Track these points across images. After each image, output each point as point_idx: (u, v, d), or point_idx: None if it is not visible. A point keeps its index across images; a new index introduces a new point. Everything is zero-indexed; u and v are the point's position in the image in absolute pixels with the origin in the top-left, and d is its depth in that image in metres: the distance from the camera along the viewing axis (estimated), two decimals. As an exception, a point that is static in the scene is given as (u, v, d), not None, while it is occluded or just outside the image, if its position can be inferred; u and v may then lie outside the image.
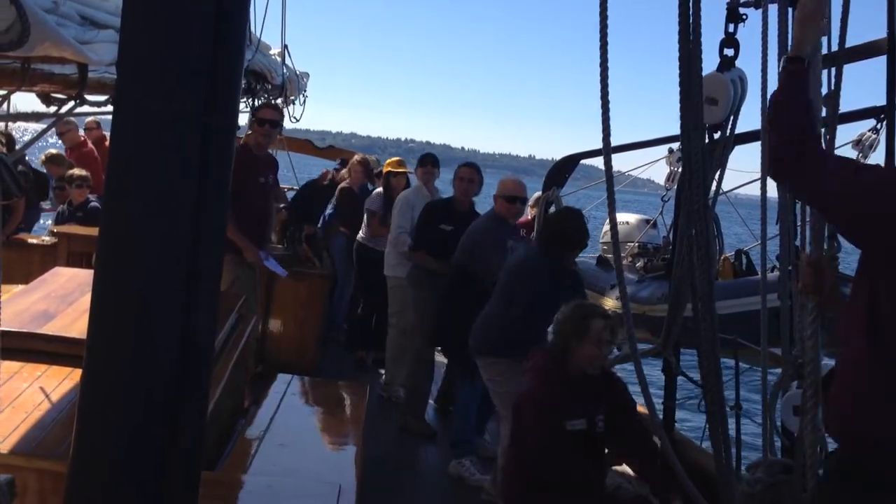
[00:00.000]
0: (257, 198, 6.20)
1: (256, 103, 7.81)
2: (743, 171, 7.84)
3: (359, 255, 8.34)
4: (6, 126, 6.12)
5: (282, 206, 9.28)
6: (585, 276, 8.80)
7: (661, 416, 5.07)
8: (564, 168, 8.76)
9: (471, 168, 6.87)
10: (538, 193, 8.76)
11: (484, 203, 7.11)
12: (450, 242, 6.22)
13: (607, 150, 1.89)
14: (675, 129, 3.17)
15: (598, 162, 3.57)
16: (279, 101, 9.30)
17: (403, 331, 7.17)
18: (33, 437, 2.78)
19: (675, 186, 7.60)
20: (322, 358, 7.91)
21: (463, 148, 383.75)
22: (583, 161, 9.04)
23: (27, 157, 8.30)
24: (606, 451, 4.29)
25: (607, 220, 10.47)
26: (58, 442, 2.75)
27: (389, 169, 8.29)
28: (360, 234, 8.30)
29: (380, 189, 8.27)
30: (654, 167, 9.28)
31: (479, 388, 5.75)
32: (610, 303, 8.80)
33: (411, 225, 7.06)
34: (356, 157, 9.15)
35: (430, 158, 7.70)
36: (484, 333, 5.28)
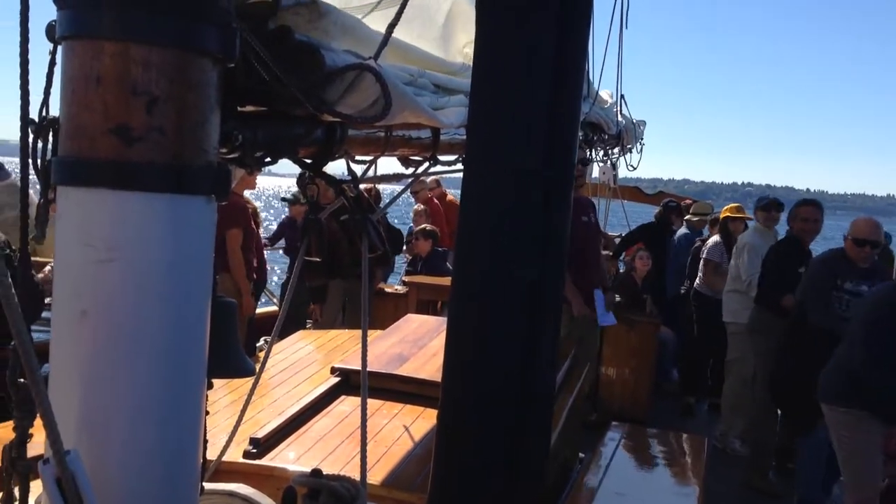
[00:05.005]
0: (582, 239, 6.26)
1: (594, 154, 7.97)
2: None
3: (696, 302, 8.18)
4: (374, 187, 6.94)
5: (610, 253, 9.35)
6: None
7: None
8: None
9: (815, 207, 6.40)
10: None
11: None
12: None
13: None
14: None
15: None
16: (615, 150, 9.39)
17: (744, 380, 6.84)
18: (393, 470, 3.02)
19: None
20: (653, 405, 7.78)
21: (808, 189, 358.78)
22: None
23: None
24: None
25: None
26: (413, 475, 2.97)
27: (728, 214, 8.08)
28: (697, 281, 8.16)
29: (717, 237, 8.06)
30: None
31: (824, 442, 5.30)
32: None
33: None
34: None
35: (773, 203, 7.37)
36: (832, 379, 4.85)
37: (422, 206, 9.87)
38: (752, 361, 6.58)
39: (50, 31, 1.25)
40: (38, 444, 1.24)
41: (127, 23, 1.17)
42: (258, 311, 7.59)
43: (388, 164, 2.70)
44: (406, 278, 8.72)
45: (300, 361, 4.38)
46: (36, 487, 1.23)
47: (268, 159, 1.62)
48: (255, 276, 6.89)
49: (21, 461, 1.24)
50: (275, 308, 8.63)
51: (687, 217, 9.75)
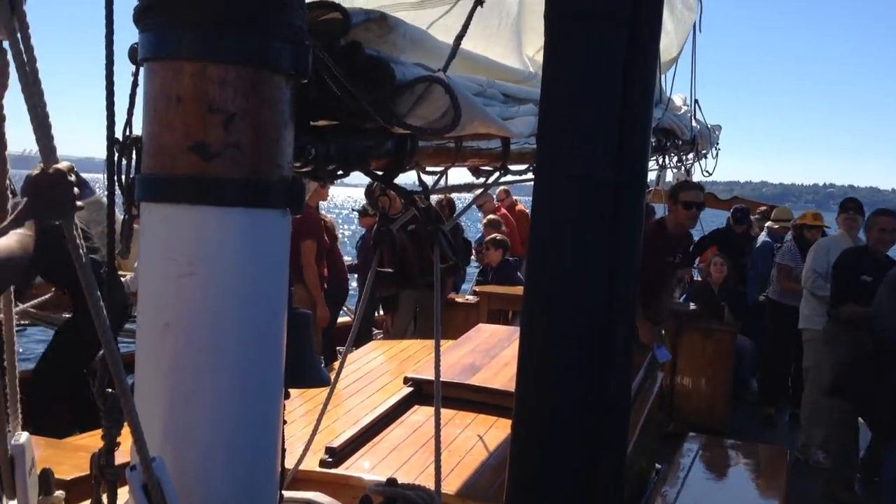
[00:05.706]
0: (658, 276, 6.00)
1: (667, 160, 7.83)
2: None
3: (771, 310, 7.98)
4: (446, 196, 6.98)
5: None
6: None
7: None
8: None
9: (892, 217, 6.17)
10: None
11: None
12: (870, 295, 5.64)
13: None
14: None
15: None
16: (690, 155, 9.23)
17: (821, 389, 6.63)
18: (468, 480, 3.02)
19: None
20: (731, 415, 7.60)
21: (893, 189, 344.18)
22: None
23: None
24: None
25: None
26: (488, 485, 2.96)
27: (804, 222, 7.88)
28: (771, 288, 7.97)
29: (791, 243, 7.87)
30: None
31: None
32: None
33: (826, 270, 6.58)
34: None
35: (852, 204, 7.14)
36: None
37: (492, 217, 9.86)
38: (829, 369, 6.39)
39: (132, 54, 1.30)
40: (122, 452, 1.28)
41: (204, 43, 1.21)
42: (339, 320, 7.66)
43: (459, 174, 2.71)
44: (477, 288, 8.71)
45: (373, 371, 4.42)
46: (122, 494, 1.27)
47: (340, 172, 1.64)
48: (324, 285, 6.97)
49: (109, 468, 1.29)
50: (349, 319, 8.73)
51: (768, 223, 9.53)
